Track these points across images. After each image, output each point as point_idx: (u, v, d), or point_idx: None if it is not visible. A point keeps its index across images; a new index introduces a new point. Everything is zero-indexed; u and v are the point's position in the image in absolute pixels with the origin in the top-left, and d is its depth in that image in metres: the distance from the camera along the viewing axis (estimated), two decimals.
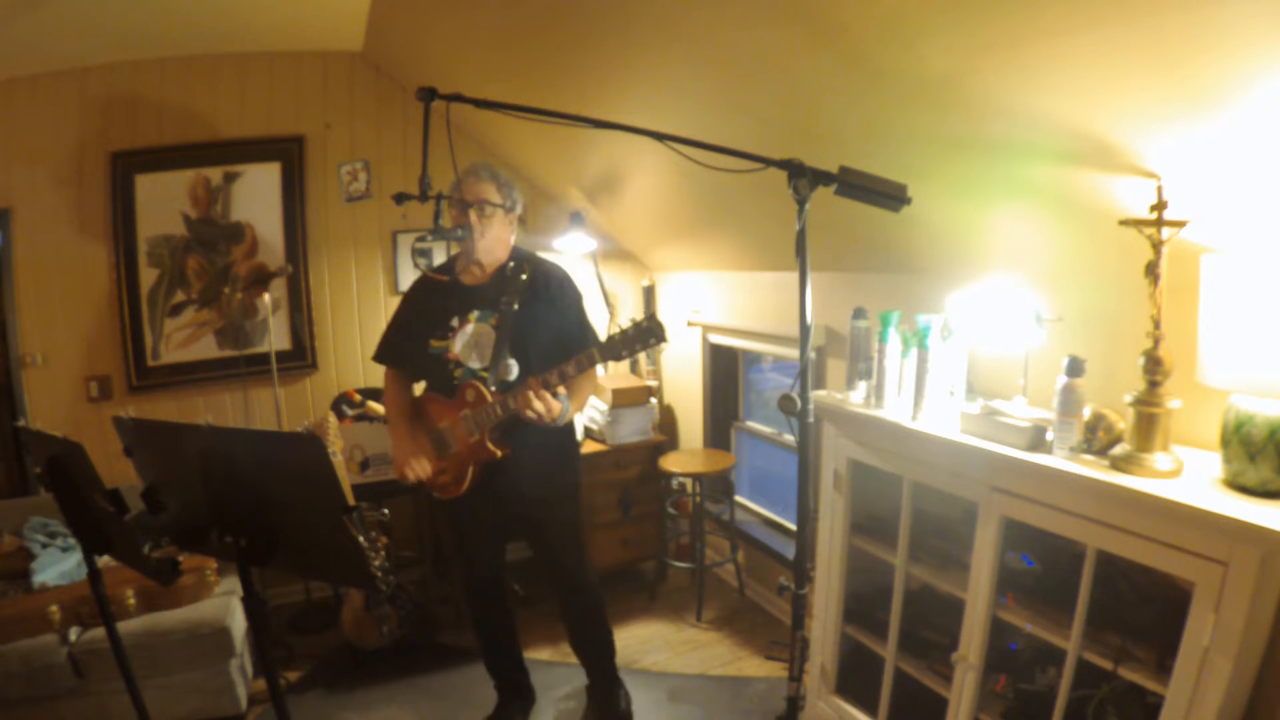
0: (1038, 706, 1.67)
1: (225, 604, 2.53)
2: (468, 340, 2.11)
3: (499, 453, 2.05)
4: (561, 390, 2.00)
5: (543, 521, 2.24)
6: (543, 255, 2.28)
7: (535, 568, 2.40)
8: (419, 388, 2.30)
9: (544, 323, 2.10)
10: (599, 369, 2.12)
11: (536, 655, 2.86)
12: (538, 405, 1.92)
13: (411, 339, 2.21)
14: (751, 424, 3.58)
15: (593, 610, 2.40)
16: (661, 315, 3.86)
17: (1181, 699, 1.34)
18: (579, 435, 3.32)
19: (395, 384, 2.29)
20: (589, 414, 3.49)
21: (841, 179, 1.37)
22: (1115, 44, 1.14)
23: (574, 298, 2.18)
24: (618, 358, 1.89)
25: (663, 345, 1.85)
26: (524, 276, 2.10)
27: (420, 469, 2.13)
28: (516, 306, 2.06)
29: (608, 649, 2.46)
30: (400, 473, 2.16)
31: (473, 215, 2.04)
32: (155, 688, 2.35)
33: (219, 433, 1.32)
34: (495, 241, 2.11)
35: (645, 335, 1.84)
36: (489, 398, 2.03)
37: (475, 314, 2.12)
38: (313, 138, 3.35)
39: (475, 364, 2.10)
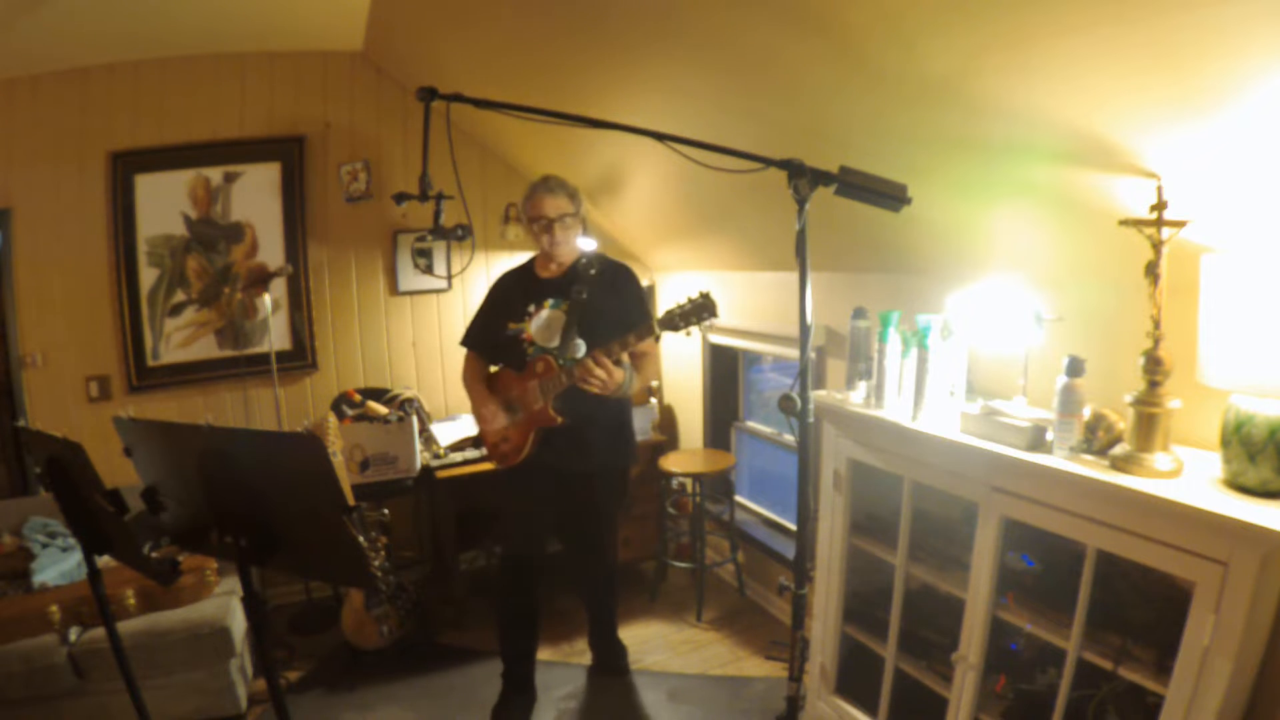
0: (1038, 706, 1.67)
1: (225, 604, 2.53)
2: (541, 323, 2.35)
3: (558, 419, 2.25)
4: (625, 358, 2.20)
5: (591, 501, 2.45)
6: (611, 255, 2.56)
7: (565, 542, 2.65)
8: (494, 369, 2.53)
9: (610, 309, 2.31)
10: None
11: (537, 655, 2.86)
12: (599, 372, 2.10)
13: (492, 325, 2.46)
14: (751, 424, 3.58)
15: (611, 578, 2.72)
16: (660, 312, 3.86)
17: (1181, 699, 1.34)
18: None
19: (474, 360, 2.53)
20: None
21: (841, 179, 1.37)
22: (1115, 44, 1.14)
23: (637, 289, 2.44)
24: (674, 328, 2.04)
25: (713, 319, 2.04)
26: (593, 271, 2.33)
27: (500, 422, 2.37)
28: (585, 295, 2.28)
29: (615, 610, 2.80)
30: (484, 430, 2.41)
31: (557, 230, 2.31)
32: (155, 688, 2.35)
33: (219, 433, 1.31)
34: (571, 244, 2.40)
35: (700, 310, 2.01)
36: (556, 368, 2.23)
37: (550, 301, 2.36)
38: (313, 138, 3.35)
39: (547, 343, 2.32)
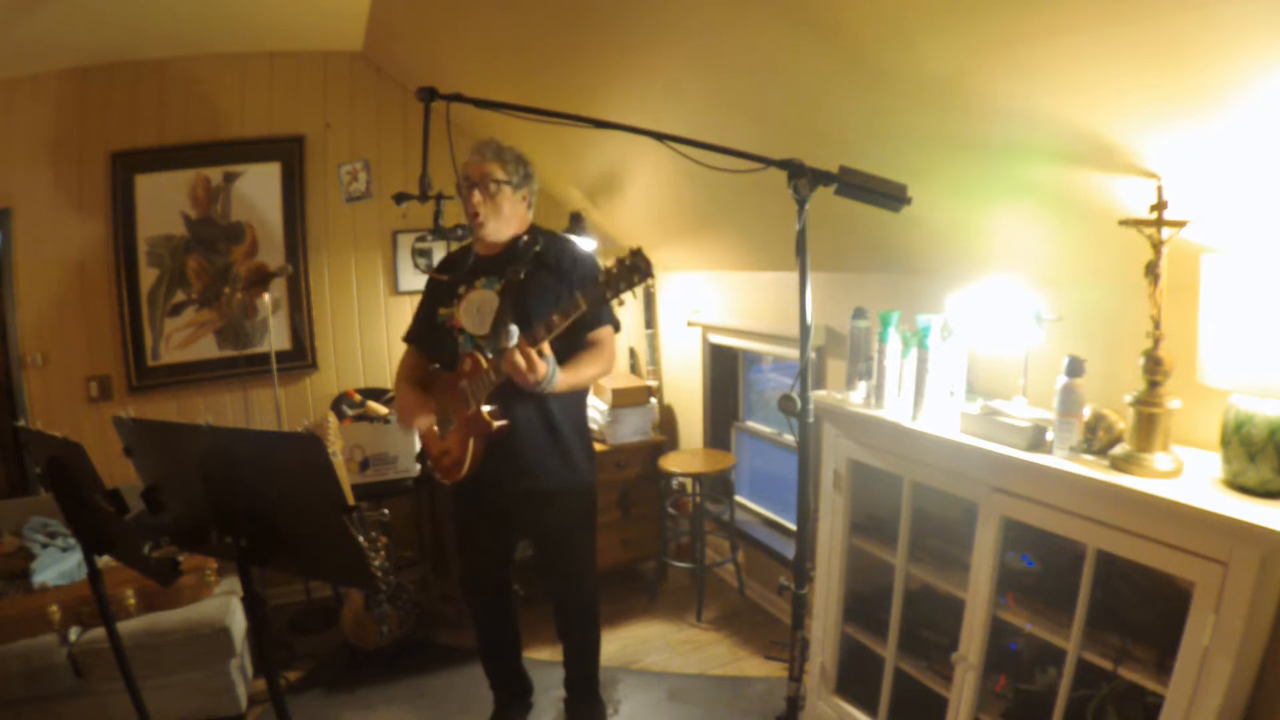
0: (1038, 706, 1.67)
1: (225, 604, 2.53)
2: (471, 305, 2.08)
3: (494, 424, 1.95)
4: (548, 352, 1.87)
5: (548, 523, 2.16)
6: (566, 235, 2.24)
7: (535, 567, 2.37)
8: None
9: (551, 291, 2.02)
10: (611, 367, 2.11)
11: (536, 655, 2.86)
12: (519, 360, 1.80)
13: (429, 314, 2.20)
14: (751, 424, 3.58)
15: (589, 619, 2.34)
16: (660, 312, 3.86)
17: (1181, 699, 1.34)
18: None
19: (410, 357, 2.29)
20: (589, 414, 3.48)
21: (841, 179, 1.38)
22: (1115, 44, 1.14)
23: (587, 270, 2.07)
24: (603, 300, 1.75)
25: (649, 280, 1.77)
26: (536, 248, 2.04)
27: (424, 419, 2.12)
28: (523, 275, 2.01)
29: (595, 658, 2.41)
30: (406, 422, 2.15)
31: (478, 195, 2.00)
32: (155, 688, 2.35)
33: (219, 433, 1.31)
34: (507, 220, 2.06)
35: (630, 273, 1.71)
36: (484, 365, 1.94)
37: (481, 281, 2.09)
38: (313, 138, 3.35)
39: (477, 330, 2.06)
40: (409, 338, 2.30)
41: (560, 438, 2.09)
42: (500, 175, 2.02)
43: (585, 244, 3.51)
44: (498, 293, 2.03)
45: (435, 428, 2.13)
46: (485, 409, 1.95)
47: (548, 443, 2.07)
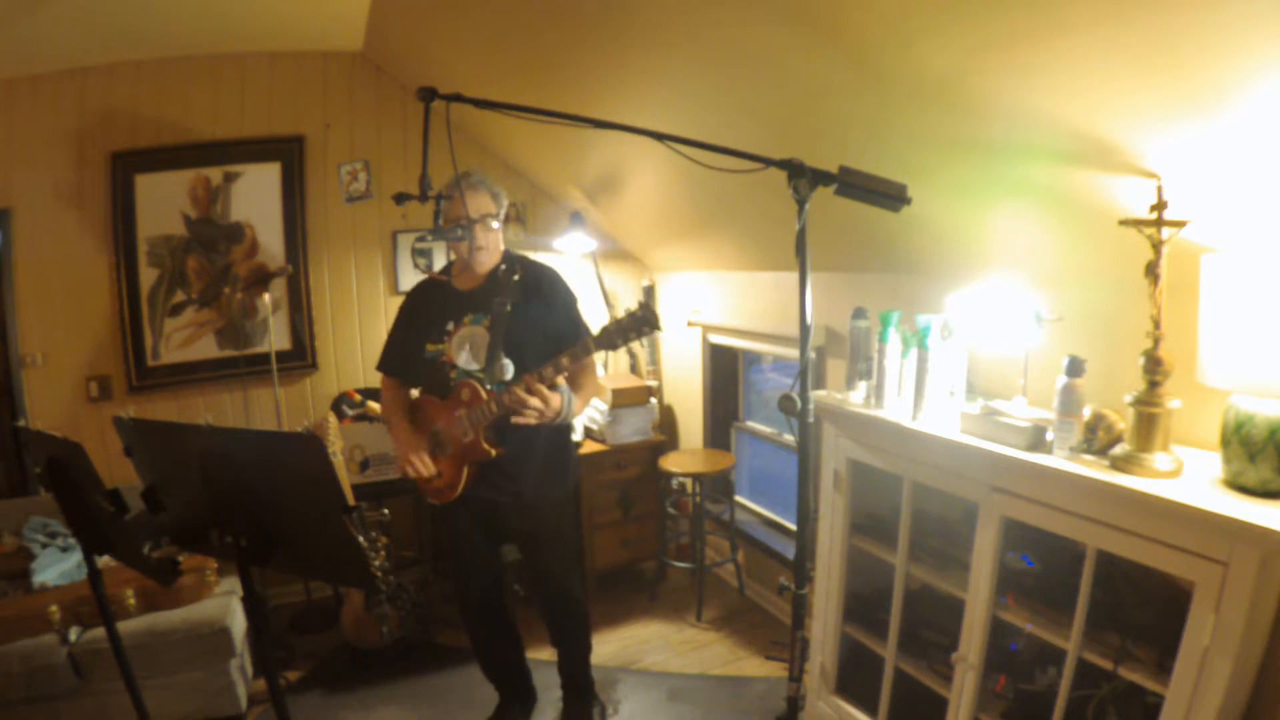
0: (1038, 706, 1.67)
1: (225, 604, 2.53)
2: (462, 342, 2.13)
3: (493, 452, 2.05)
4: (561, 382, 1.98)
5: (534, 531, 2.24)
6: (536, 256, 2.30)
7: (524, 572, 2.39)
8: (415, 393, 2.32)
9: (536, 321, 2.11)
10: (599, 369, 2.12)
11: (536, 655, 2.86)
12: (534, 402, 1.92)
13: (410, 345, 2.23)
14: (751, 424, 3.58)
15: (577, 621, 2.41)
16: (660, 312, 3.86)
17: (1181, 699, 1.34)
18: (578, 436, 3.33)
19: (392, 387, 2.31)
20: (589, 414, 3.49)
21: (841, 179, 1.37)
22: (1115, 44, 1.14)
23: (565, 295, 2.19)
24: (613, 347, 1.87)
25: (656, 333, 1.85)
26: (516, 278, 2.12)
27: (423, 464, 2.12)
28: (509, 307, 2.08)
29: (586, 658, 2.47)
30: (403, 466, 2.15)
31: (478, 233, 2.06)
32: (155, 688, 2.35)
33: (219, 433, 1.32)
34: (493, 249, 2.14)
35: (639, 324, 1.83)
36: (484, 395, 2.02)
37: (469, 317, 2.13)
38: (313, 138, 3.35)
39: (470, 365, 2.11)
40: (388, 369, 2.30)
41: (543, 455, 2.18)
42: (493, 209, 2.10)
43: (586, 244, 3.52)
44: (486, 327, 2.10)
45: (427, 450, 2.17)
46: (484, 439, 2.05)
47: (532, 460, 2.16)
